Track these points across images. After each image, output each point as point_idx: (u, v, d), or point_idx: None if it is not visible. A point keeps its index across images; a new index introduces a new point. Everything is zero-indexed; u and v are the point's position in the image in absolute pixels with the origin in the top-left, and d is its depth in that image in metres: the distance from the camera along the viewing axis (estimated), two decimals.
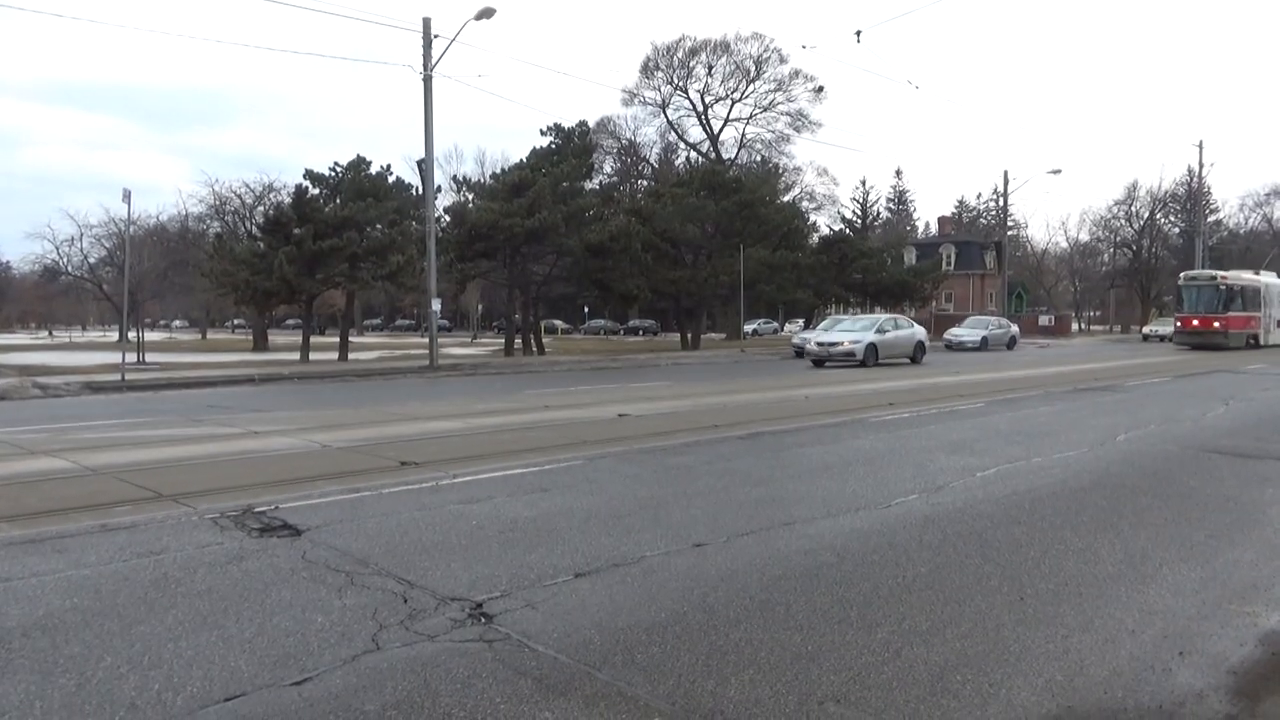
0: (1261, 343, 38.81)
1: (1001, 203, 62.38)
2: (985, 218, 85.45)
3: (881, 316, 32.35)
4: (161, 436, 10.76)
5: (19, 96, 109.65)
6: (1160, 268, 75.16)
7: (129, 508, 6.61)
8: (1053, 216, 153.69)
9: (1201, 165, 63.21)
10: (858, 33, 34.66)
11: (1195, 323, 37.78)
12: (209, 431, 11.34)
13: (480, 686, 3.47)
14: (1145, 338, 54.05)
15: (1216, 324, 37.07)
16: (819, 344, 28.09)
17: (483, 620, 4.20)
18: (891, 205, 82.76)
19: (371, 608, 4.37)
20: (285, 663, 3.70)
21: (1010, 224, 69.17)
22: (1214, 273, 40.46)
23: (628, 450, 9.69)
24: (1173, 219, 76.92)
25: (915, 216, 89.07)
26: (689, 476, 8.00)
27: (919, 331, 30.24)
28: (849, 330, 28.70)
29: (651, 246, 38.99)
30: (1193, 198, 70.35)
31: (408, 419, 12.56)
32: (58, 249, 60.78)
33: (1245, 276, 40.59)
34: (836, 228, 61.26)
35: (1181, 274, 42.28)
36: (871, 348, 26.92)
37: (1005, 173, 62.13)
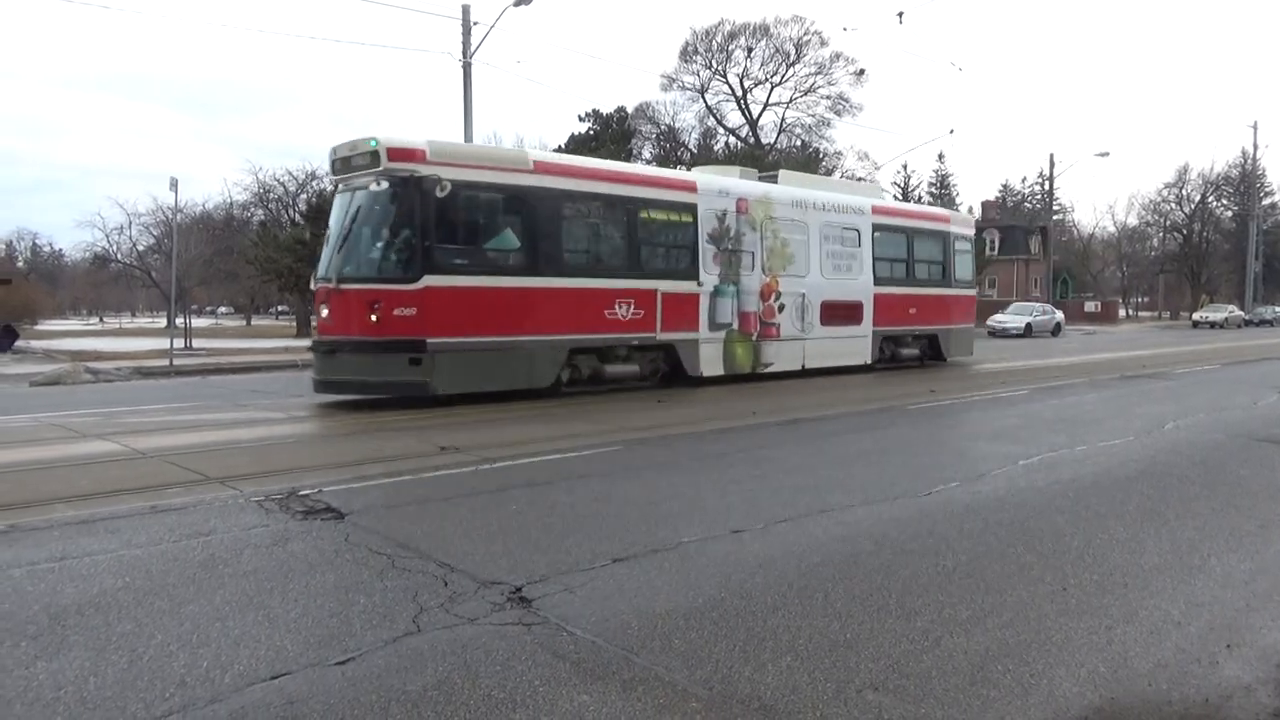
0: None
1: (1047, 186, 61.22)
2: (1030, 202, 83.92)
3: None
4: (208, 421, 10.97)
5: (61, 86, 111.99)
6: (1212, 252, 73.37)
7: (178, 490, 6.76)
8: (1100, 200, 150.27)
9: (1256, 147, 61.72)
10: (900, 14, 34.05)
11: None
12: (254, 416, 11.55)
13: (519, 669, 3.51)
14: (1195, 324, 52.84)
15: None
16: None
17: (522, 604, 4.25)
18: (934, 189, 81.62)
19: (413, 590, 4.43)
20: (329, 643, 3.77)
21: (1056, 208, 67.89)
22: None
23: (665, 436, 9.71)
24: (1225, 202, 74.96)
25: (958, 201, 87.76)
26: (724, 463, 7.99)
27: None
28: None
29: None
30: (1246, 180, 68.51)
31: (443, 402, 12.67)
32: (107, 237, 62.13)
33: None
34: None
35: None
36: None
37: (1051, 156, 60.88)
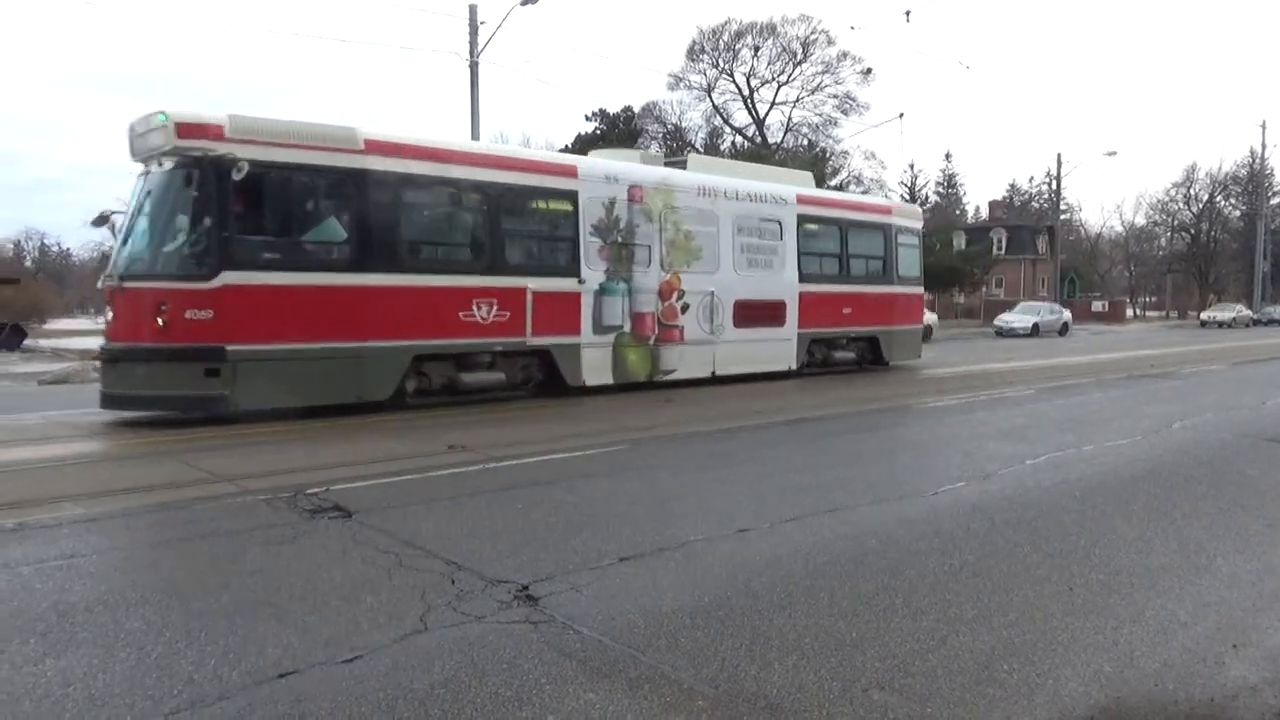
0: None
1: (1054, 186, 61.11)
2: (1037, 201, 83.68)
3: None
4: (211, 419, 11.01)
5: (62, 86, 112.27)
6: (1220, 252, 73.13)
7: (187, 488, 6.79)
8: (1107, 200, 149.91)
9: (1264, 146, 61.45)
10: (907, 13, 34.08)
11: None
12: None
13: (526, 667, 3.52)
14: (1203, 324, 52.65)
15: None
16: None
17: (529, 602, 4.26)
18: (941, 189, 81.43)
19: (420, 589, 4.45)
20: (336, 641, 3.78)
21: (1063, 208, 67.67)
22: None
23: (673, 434, 9.72)
24: (1233, 202, 74.75)
25: (965, 200, 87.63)
26: (730, 462, 8.00)
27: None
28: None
29: None
30: (1254, 179, 68.21)
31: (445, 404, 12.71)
32: (115, 235, 62.26)
33: None
34: None
35: None
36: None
37: (1058, 155, 60.91)
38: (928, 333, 29.45)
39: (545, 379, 12.83)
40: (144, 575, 4.68)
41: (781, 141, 63.51)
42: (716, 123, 66.74)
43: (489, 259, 12.07)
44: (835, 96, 62.91)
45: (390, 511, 6.06)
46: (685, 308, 14.20)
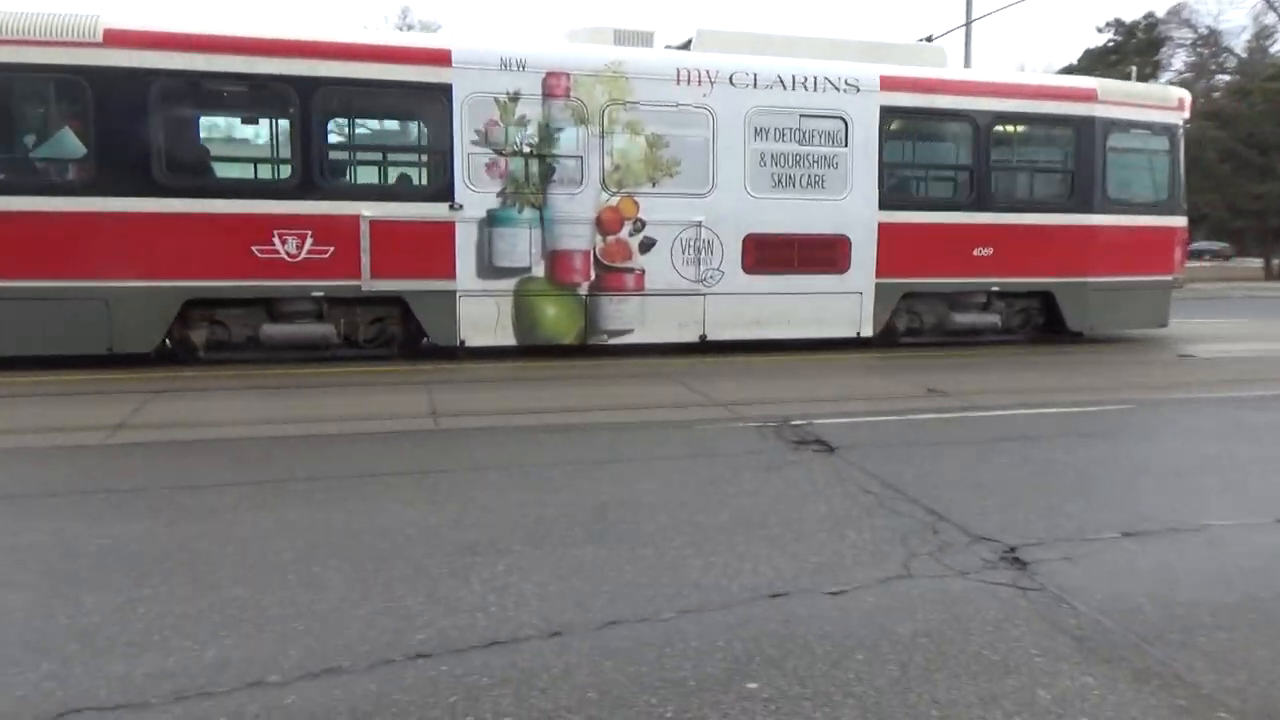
0: None
1: None
2: None
3: None
4: None
5: None
6: None
7: (690, 409, 7.59)
8: None
9: None
10: None
11: None
12: None
13: (1014, 634, 3.40)
14: None
15: None
16: None
17: (1016, 565, 4.08)
18: None
19: (900, 533, 4.49)
20: (822, 571, 3.99)
21: None
22: None
23: (1190, 399, 8.51)
24: None
25: None
26: (1273, 436, 6.78)
27: None
28: None
29: (1231, 155, 32.89)
30: None
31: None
32: None
33: None
34: None
35: None
36: None
37: None
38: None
39: (414, 336, 10.22)
40: (658, 484, 5.33)
41: None
42: (1268, 20, 55.07)
43: (300, 178, 9.49)
44: None
45: (870, 450, 6.17)
46: (648, 244, 10.42)
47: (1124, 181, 12.19)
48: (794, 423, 6.92)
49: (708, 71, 10.42)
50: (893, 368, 10.02)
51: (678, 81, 10.33)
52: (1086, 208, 11.82)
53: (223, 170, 9.91)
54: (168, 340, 9.41)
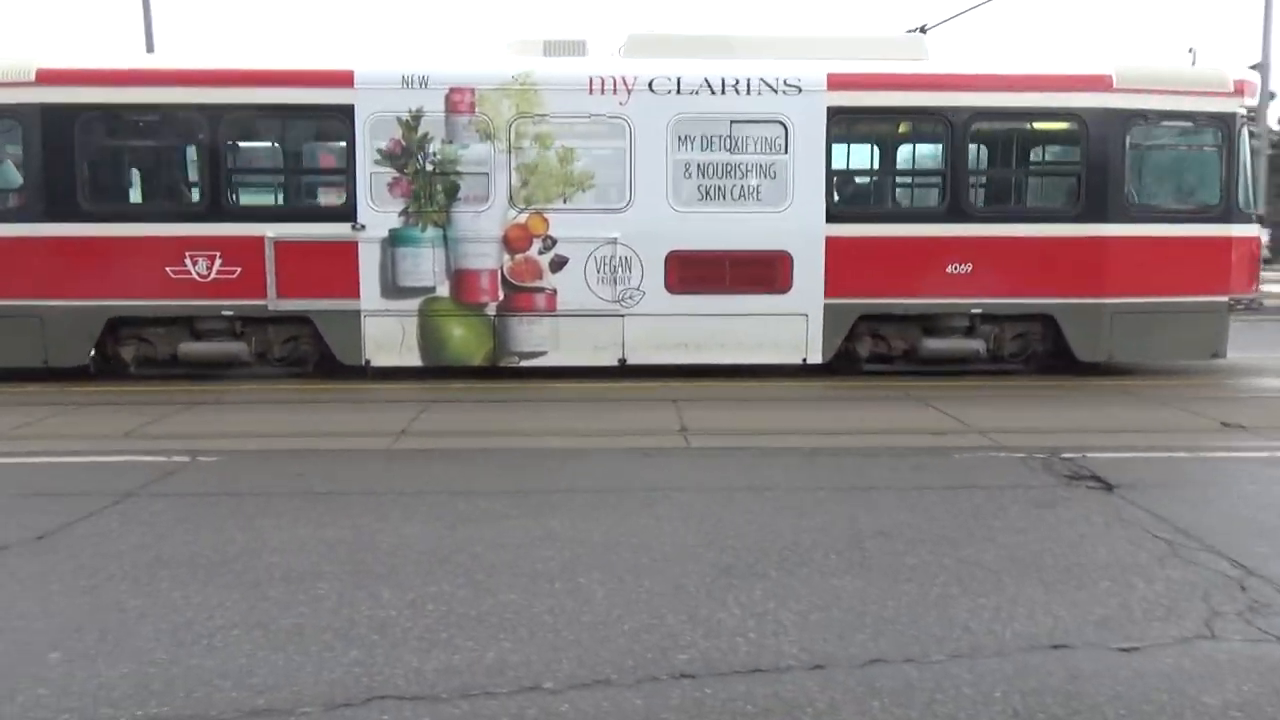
0: None
1: None
2: None
3: None
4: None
5: None
6: None
7: (945, 436, 7.25)
8: None
9: None
10: None
11: None
12: None
13: None
14: None
15: None
16: None
17: None
18: None
19: (1200, 587, 4.03)
20: (1108, 624, 3.66)
21: None
22: None
23: None
24: None
25: None
26: None
27: None
28: None
29: None
30: None
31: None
32: None
33: None
34: None
35: None
36: None
37: None
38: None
39: (323, 356, 10.15)
40: (918, 515, 5.12)
41: None
42: None
43: (207, 202, 9.85)
44: None
45: (1155, 491, 5.59)
46: (559, 263, 9.81)
47: (1153, 184, 10.36)
48: (1065, 455, 6.41)
49: (624, 79, 9.76)
50: (1170, 397, 9.05)
51: (590, 91, 9.75)
52: (1099, 216, 9.89)
53: (139, 196, 10.60)
54: (101, 355, 10.04)
